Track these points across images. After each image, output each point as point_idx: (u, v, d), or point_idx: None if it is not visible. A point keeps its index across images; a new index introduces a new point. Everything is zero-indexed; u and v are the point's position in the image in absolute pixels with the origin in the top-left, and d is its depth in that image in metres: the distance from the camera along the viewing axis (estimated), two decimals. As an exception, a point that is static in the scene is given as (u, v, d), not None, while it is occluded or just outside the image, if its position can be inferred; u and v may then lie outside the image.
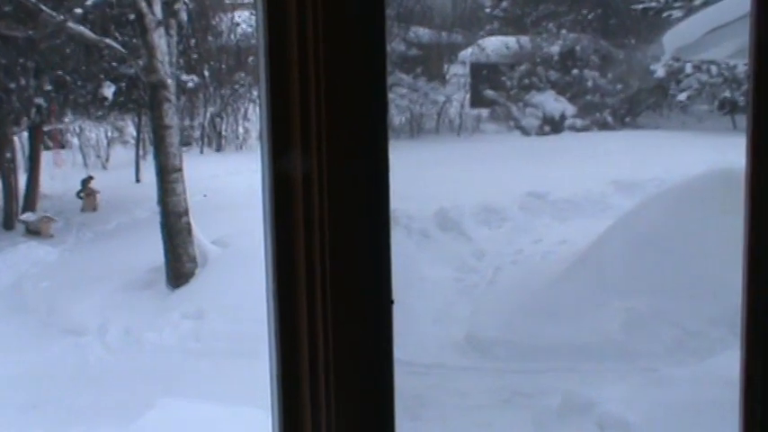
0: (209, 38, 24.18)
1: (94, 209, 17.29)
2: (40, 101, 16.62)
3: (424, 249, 11.64)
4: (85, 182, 17.61)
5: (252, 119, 26.79)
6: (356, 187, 1.55)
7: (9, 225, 16.94)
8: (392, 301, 1.60)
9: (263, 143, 1.57)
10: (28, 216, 16.62)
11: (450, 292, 10.38)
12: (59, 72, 16.52)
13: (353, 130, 1.55)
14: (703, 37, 9.74)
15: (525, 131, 22.07)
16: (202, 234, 12.62)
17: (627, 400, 6.38)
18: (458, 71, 24.76)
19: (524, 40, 23.63)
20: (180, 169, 12.44)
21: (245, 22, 25.72)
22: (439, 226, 12.46)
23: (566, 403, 6.71)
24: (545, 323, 8.37)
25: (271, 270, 1.59)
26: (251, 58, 26.02)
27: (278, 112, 1.54)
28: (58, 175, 19.32)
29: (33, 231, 16.01)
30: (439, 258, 11.45)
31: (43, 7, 13.35)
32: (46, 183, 18.88)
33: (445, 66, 25.39)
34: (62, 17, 13.45)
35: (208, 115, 25.04)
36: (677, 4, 20.02)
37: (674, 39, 11.07)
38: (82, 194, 17.30)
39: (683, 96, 20.96)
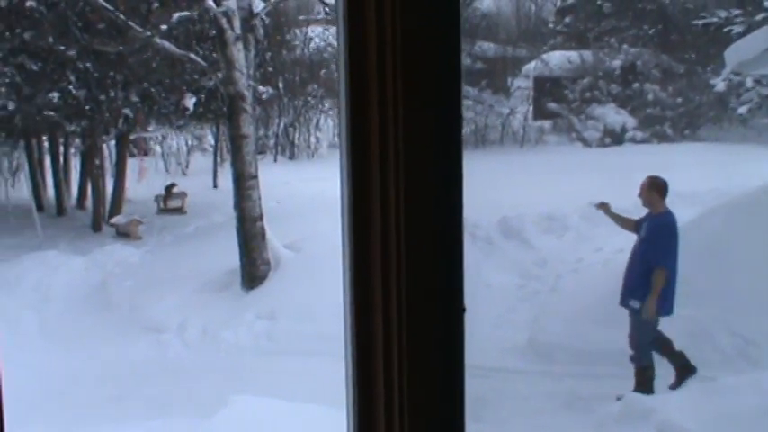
0: (284, 52, 24.40)
1: (183, 211, 17.56)
2: (127, 111, 16.96)
3: (487, 256, 11.57)
4: (169, 188, 17.94)
5: (323, 129, 26.97)
6: (431, 196, 1.53)
7: (97, 227, 17.28)
8: (464, 309, 1.57)
9: (342, 153, 1.56)
10: (118, 219, 16.96)
11: (513, 298, 10.30)
12: (145, 84, 16.83)
13: (429, 142, 1.53)
14: (764, 52, 9.52)
15: (587, 143, 21.84)
16: (276, 238, 12.71)
17: (686, 408, 6.24)
18: (521, 84, 24.62)
19: (587, 54, 23.42)
20: (255, 176, 12.55)
21: (317, 36, 25.92)
22: (502, 234, 12.37)
23: (625, 409, 6.59)
24: (606, 329, 8.24)
25: (348, 277, 1.57)
26: (323, 71, 26.20)
27: (356, 123, 1.53)
28: (142, 180, 19.67)
29: (123, 233, 16.31)
30: (502, 265, 11.36)
31: (132, 24, 13.60)
32: (131, 188, 19.24)
33: (509, 79, 25.27)
34: (149, 33, 13.68)
35: (281, 125, 25.30)
36: (738, 20, 19.63)
37: (735, 53, 10.85)
38: (161, 202, 17.62)
39: (743, 110, 20.52)
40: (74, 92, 16.14)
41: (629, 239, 7.98)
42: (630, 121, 21.83)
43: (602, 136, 21.73)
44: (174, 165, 23.37)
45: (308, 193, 18.23)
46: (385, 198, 1.52)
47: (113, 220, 17.00)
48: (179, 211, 17.46)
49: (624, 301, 7.60)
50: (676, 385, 7.48)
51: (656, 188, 7.75)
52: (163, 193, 17.85)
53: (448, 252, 1.56)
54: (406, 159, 1.51)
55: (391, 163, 1.51)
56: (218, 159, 21.68)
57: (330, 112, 26.69)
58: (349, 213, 1.56)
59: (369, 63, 1.52)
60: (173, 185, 17.93)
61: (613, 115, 21.92)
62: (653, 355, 7.53)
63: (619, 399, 7.06)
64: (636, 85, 22.37)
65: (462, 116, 1.62)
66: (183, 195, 17.64)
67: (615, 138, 21.53)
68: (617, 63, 22.75)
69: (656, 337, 7.57)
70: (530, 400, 7.85)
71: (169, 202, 17.69)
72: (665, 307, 7.50)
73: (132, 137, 19.25)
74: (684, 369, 7.53)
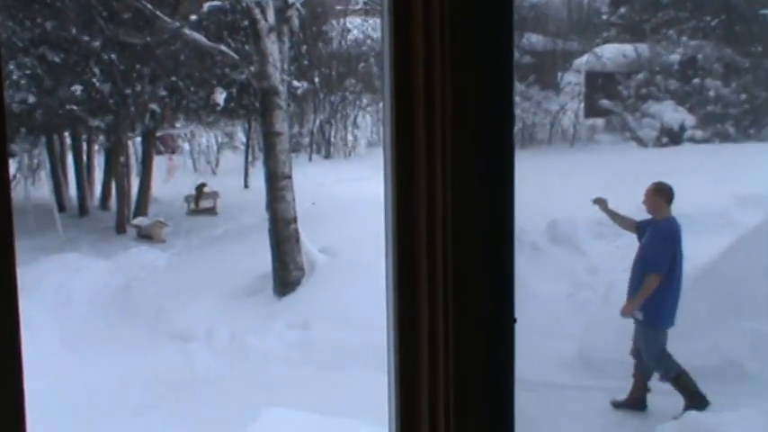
0: (320, 44, 24.47)
1: (215, 212, 17.65)
2: (154, 106, 17.05)
3: (535, 263, 11.51)
4: (200, 187, 17.99)
5: (361, 126, 27.00)
6: (480, 199, 1.51)
7: (121, 229, 17.42)
8: (515, 320, 1.56)
9: (386, 153, 1.55)
10: (141, 220, 17.09)
11: (562, 307, 10.23)
12: (173, 78, 16.94)
13: (479, 141, 1.51)
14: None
15: (642, 143, 21.65)
16: (310, 242, 12.74)
17: (748, 428, 6.16)
18: (572, 79, 24.47)
19: (642, 47, 23.20)
20: (289, 176, 12.59)
21: (356, 28, 25.97)
22: (551, 239, 12.30)
23: (684, 428, 6.51)
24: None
25: (391, 285, 1.56)
26: (362, 65, 26.25)
27: (401, 121, 1.52)
28: (169, 179, 19.82)
29: (145, 236, 16.45)
30: (550, 273, 11.30)
31: (160, 14, 13.71)
32: (158, 187, 19.40)
33: (559, 74, 25.13)
34: (177, 24, 13.80)
35: (317, 122, 25.36)
36: (809, 11, 19.35)
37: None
38: (191, 203, 17.69)
39: (812, 108, 20.24)
40: (98, 85, 16.28)
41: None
42: (689, 120, 21.61)
43: (659, 135, 21.52)
44: (204, 163, 23.54)
45: (345, 194, 18.26)
46: (431, 200, 1.51)
47: (135, 222, 17.15)
48: (210, 211, 17.55)
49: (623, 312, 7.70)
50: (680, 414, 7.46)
51: (661, 194, 7.84)
52: (193, 192, 17.94)
53: (498, 258, 1.54)
54: (453, 159, 1.49)
55: (438, 163, 1.50)
56: (250, 158, 21.80)
57: (369, 109, 26.72)
58: (392, 216, 1.55)
59: (415, 56, 1.51)
60: (203, 185, 18.03)
61: (671, 113, 21.71)
62: (678, 362, 7.53)
63: (675, 418, 7.00)
64: (696, 80, 22.14)
65: (514, 113, 1.60)
66: (214, 195, 17.71)
67: (673, 137, 21.32)
68: (675, 57, 22.52)
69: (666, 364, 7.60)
70: (580, 418, 7.79)
71: (201, 203, 17.78)
72: (665, 319, 7.53)
73: (159, 133, 19.40)
74: (694, 398, 7.49)
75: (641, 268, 7.65)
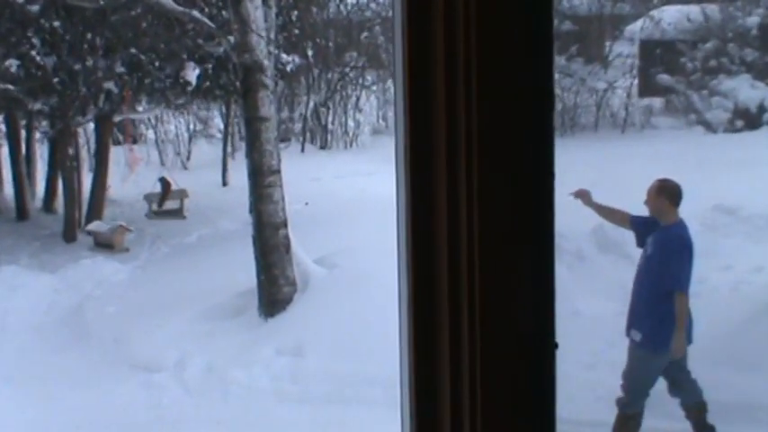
0: (314, 9, 24.50)
1: (182, 215, 17.54)
2: (109, 85, 17.06)
3: (578, 275, 11.52)
4: (164, 184, 17.64)
5: (364, 109, 27.02)
6: (514, 203, 1.52)
7: (70, 236, 17.43)
8: (556, 345, 1.57)
9: (399, 143, 1.56)
10: (98, 225, 17.08)
11: (610, 329, 10.21)
12: (133, 50, 16.97)
13: (512, 127, 1.52)
14: None
15: (711, 127, 21.61)
16: (303, 251, 12.76)
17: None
18: (623, 50, 24.47)
19: (712, 9, 23.14)
20: (277, 171, 12.61)
21: (357, -11, 26.04)
22: (597, 246, 12.30)
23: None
24: (736, 374, 8.15)
25: (405, 303, 1.57)
26: (365, 35, 26.30)
27: (417, 103, 1.52)
28: (130, 175, 19.85)
29: (104, 244, 16.46)
30: (596, 287, 11.30)
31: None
32: (116, 185, 19.43)
33: (607, 44, 25.13)
34: (138, -17, 13.84)
35: (311, 105, 25.42)
36: None
37: None
38: (153, 203, 17.56)
39: None
40: (38, 59, 16.24)
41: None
42: (770, 98, 21.56)
43: (732, 117, 21.47)
44: (172, 155, 23.61)
45: (346, 192, 18.30)
46: (454, 200, 1.51)
47: (91, 227, 17.16)
48: (177, 214, 17.47)
49: (627, 331, 7.85)
50: None
51: (666, 193, 7.86)
52: (156, 190, 17.78)
53: (535, 270, 1.55)
54: (481, 150, 1.50)
55: (462, 154, 1.51)
56: (229, 149, 21.87)
57: (374, 88, 26.75)
58: (406, 220, 1.56)
59: (433, 23, 1.52)
60: (166, 180, 17.91)
61: (747, 90, 21.64)
62: (644, 404, 7.67)
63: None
64: (778, 49, 22.09)
65: (554, 93, 1.61)
66: (182, 194, 17.62)
67: (750, 120, 21.25)
68: (753, 20, 22.46)
69: (695, 399, 7.69)
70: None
71: (164, 203, 17.70)
72: (665, 342, 7.61)
73: (117, 119, 19.44)
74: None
75: (653, 288, 7.69)
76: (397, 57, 1.57)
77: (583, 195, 8.29)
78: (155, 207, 17.41)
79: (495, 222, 1.52)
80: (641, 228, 8.00)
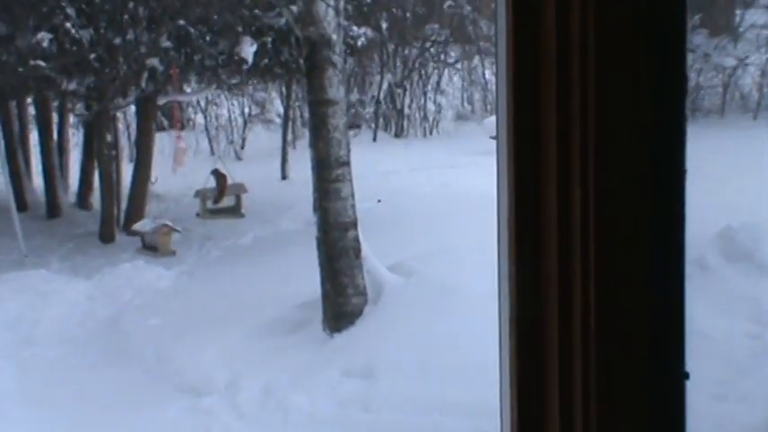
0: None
1: (240, 213, 17.41)
2: (154, 62, 17.16)
3: (700, 288, 11.40)
4: (219, 178, 17.42)
5: (447, 91, 27.03)
6: (637, 206, 1.51)
7: (108, 236, 17.63)
8: (687, 375, 1.56)
9: (501, 137, 1.55)
10: (142, 224, 17.15)
11: (742, 353, 10.12)
12: (181, 22, 17.08)
13: (633, 117, 1.51)
14: None
15: None
16: (376, 256, 12.77)
17: None
18: (758, 20, 24.15)
19: None
20: (346, 163, 12.62)
21: (441, -51, 26.02)
22: (723, 254, 12.16)
23: None
24: None
25: (507, 326, 1.56)
26: (447, 4, 26.26)
27: (523, 92, 1.51)
28: (178, 167, 19.97)
29: (149, 246, 16.56)
30: (724, 303, 11.17)
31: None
32: (161, 178, 19.63)
33: (738, 12, 24.84)
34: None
35: (385, 86, 25.48)
36: None
37: None
38: (206, 200, 17.37)
39: None
40: (73, 32, 16.38)
41: None
42: None
43: None
44: (224, 143, 23.81)
45: (425, 187, 18.32)
46: (566, 202, 1.50)
47: (136, 226, 17.28)
48: (234, 212, 17.36)
49: None
50: None
51: None
52: (210, 185, 17.67)
53: (662, 285, 1.54)
54: (598, 143, 1.49)
55: (576, 149, 1.50)
56: (290, 137, 21.98)
57: (458, 66, 26.71)
58: (509, 224, 1.55)
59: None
60: (222, 174, 17.83)
61: None
62: None
63: None
64: None
65: (687, 73, 1.59)
66: (239, 189, 17.44)
67: None
68: None
69: None
70: None
71: (219, 199, 17.63)
72: None
73: (162, 101, 19.61)
74: None
75: None
76: (500, 33, 1.56)
77: None
78: (209, 204, 17.20)
79: (613, 228, 1.51)
80: None
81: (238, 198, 17.16)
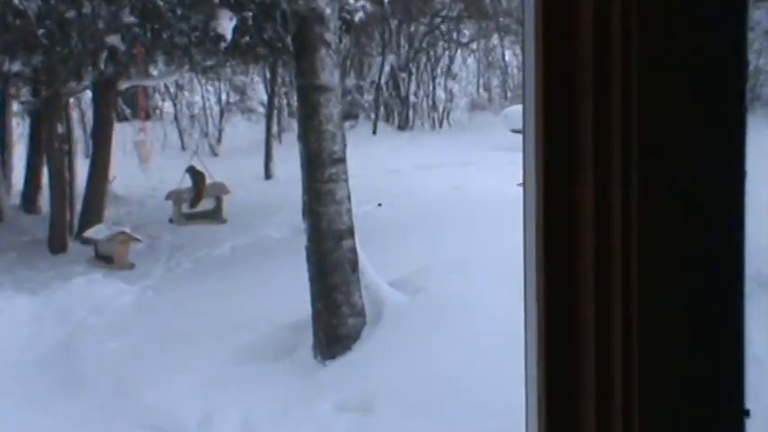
0: (392, -63, 24.54)
1: (221, 218, 17.04)
2: (114, 40, 17.12)
3: (758, 308, 11.41)
4: (196, 177, 16.86)
5: (460, 76, 27.02)
6: (687, 214, 1.51)
7: (59, 245, 17.60)
8: (747, 413, 1.56)
9: (528, 128, 1.55)
10: (96, 231, 17.06)
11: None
12: (147, -7, 17.08)
13: (686, 118, 1.51)
14: None
15: None
16: (375, 270, 12.78)
17: None
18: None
19: None
20: (342, 159, 12.62)
21: None
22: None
23: None
24: None
25: (534, 352, 1.56)
26: (461, -28, 26.25)
27: (554, 73, 1.51)
28: (145, 164, 19.93)
29: (103, 257, 16.52)
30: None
31: None
32: (122, 177, 19.62)
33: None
34: None
35: (387, 69, 25.49)
36: None
37: None
38: (181, 202, 16.81)
39: None
40: (17, 2, 16.30)
41: None
42: None
43: None
44: (198, 137, 23.82)
45: (434, 188, 18.33)
46: (604, 209, 1.50)
47: (88, 233, 17.23)
48: (213, 216, 17.08)
49: None
50: None
51: None
52: (186, 185, 17.14)
53: (717, 305, 1.54)
54: (643, 135, 1.49)
55: (616, 147, 1.50)
56: (275, 129, 22.01)
57: (473, 46, 26.70)
58: (537, 230, 1.55)
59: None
60: (200, 173, 17.30)
61: None
62: None
63: None
64: None
65: (747, 55, 1.60)
66: (220, 189, 17.04)
67: None
68: None
69: None
70: None
71: (197, 202, 17.20)
72: None
73: (124, 86, 19.61)
74: None
75: None
76: (528, 7, 1.56)
77: None
78: (185, 208, 16.77)
79: (659, 239, 1.51)
80: None
81: (219, 200, 16.85)
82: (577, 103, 1.52)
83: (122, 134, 20.32)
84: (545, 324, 1.57)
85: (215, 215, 16.58)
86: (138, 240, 16.81)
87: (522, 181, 1.67)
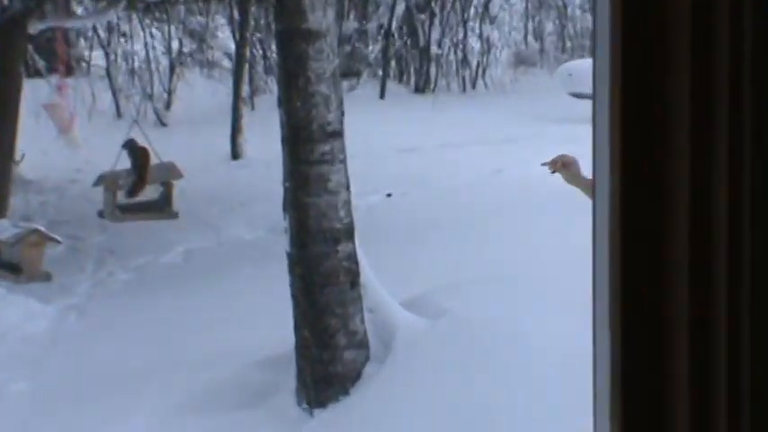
0: None
1: (170, 211, 16.67)
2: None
3: None
4: (137, 154, 16.41)
5: (502, 17, 27.00)
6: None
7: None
8: None
9: (599, 94, 1.59)
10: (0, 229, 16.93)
11: None
12: None
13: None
14: None
15: None
16: (383, 284, 12.79)
17: None
18: None
19: None
20: (338, 133, 12.63)
21: None
22: None
23: None
24: None
25: (607, 413, 1.60)
26: None
27: (637, 25, 1.56)
28: (68, 134, 19.89)
29: (9, 265, 16.35)
30: None
31: None
32: (33, 155, 19.64)
33: None
34: None
35: (400, 8, 25.50)
36: None
37: None
38: (116, 190, 16.41)
39: None
40: None
41: None
42: None
43: None
44: (140, 99, 23.85)
45: (464, 174, 18.35)
46: (704, 199, 1.54)
47: (-16, 232, 17.23)
48: (159, 210, 16.78)
49: None
50: None
51: None
52: (123, 167, 16.88)
53: None
54: (757, 112, 1.53)
55: (722, 119, 1.53)
56: (245, 90, 22.02)
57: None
58: (611, 233, 1.59)
59: None
60: (143, 149, 17.00)
61: None
62: None
63: None
64: None
65: None
66: (170, 172, 16.69)
67: None
68: None
69: None
70: None
71: (137, 189, 16.87)
72: None
73: (37, 28, 19.65)
74: None
75: None
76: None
77: (567, 165, 8.35)
78: (121, 198, 16.42)
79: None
80: None
81: (168, 188, 16.54)
82: (669, 65, 1.56)
83: (34, 95, 20.32)
84: (621, 366, 1.61)
85: (162, 208, 16.22)
86: (57, 242, 16.69)
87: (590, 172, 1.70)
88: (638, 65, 1.56)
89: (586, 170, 7.98)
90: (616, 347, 1.63)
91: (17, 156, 19.01)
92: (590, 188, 8.54)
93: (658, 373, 1.64)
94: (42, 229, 16.63)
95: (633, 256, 1.60)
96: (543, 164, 8.60)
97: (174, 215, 16.09)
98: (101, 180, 15.99)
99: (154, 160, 15.64)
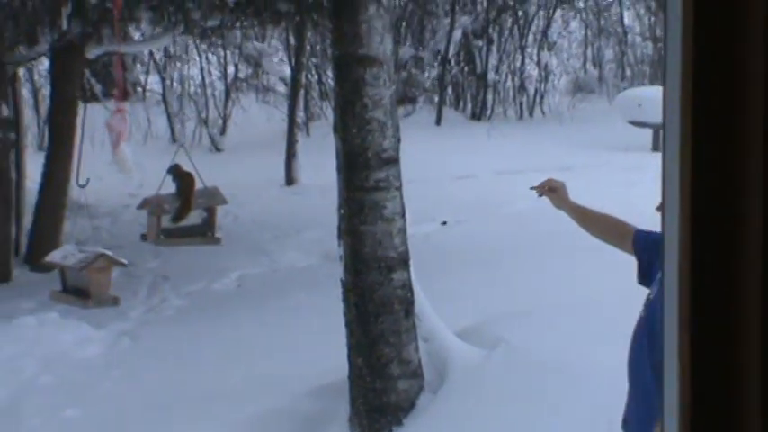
0: None
1: (213, 237, 16.50)
2: (80, -8, 17.24)
3: None
4: (183, 180, 16.26)
5: (561, 44, 26.99)
6: None
7: (1, 272, 17.65)
8: None
9: (670, 122, 1.57)
10: (63, 254, 16.50)
11: None
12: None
13: None
14: None
15: None
16: (438, 313, 12.76)
17: None
18: None
19: None
20: (394, 160, 12.61)
21: None
22: None
23: None
24: None
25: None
26: None
27: (711, 46, 1.53)
28: (120, 156, 19.76)
29: (75, 290, 16.02)
30: None
31: None
32: (93, 178, 19.62)
33: None
34: None
35: (457, 35, 25.53)
36: None
37: None
38: (159, 215, 16.12)
39: None
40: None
41: None
42: None
43: None
44: (194, 125, 23.91)
45: (521, 202, 18.31)
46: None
47: (51, 258, 16.95)
48: (201, 235, 16.75)
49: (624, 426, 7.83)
50: None
51: None
52: (168, 191, 16.69)
53: None
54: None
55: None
56: (300, 116, 22.03)
57: (579, 3, 26.74)
58: (679, 264, 1.56)
59: None
60: (188, 175, 16.89)
61: None
62: None
63: None
64: None
65: None
66: (213, 198, 16.66)
67: None
68: None
69: None
70: None
71: (182, 215, 16.72)
72: None
73: (94, 53, 19.70)
74: None
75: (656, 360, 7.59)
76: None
77: (554, 189, 8.39)
78: (165, 222, 16.29)
79: None
80: (647, 254, 7.91)
81: (210, 213, 16.42)
82: (742, 91, 1.53)
83: (90, 120, 20.31)
84: (690, 396, 1.59)
85: (203, 233, 16.06)
86: (124, 265, 16.32)
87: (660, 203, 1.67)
88: (711, 105, 1.54)
89: (575, 195, 8.04)
90: (685, 390, 1.60)
91: (81, 180, 18.99)
92: (576, 212, 8.62)
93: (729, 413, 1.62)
94: (109, 252, 16.43)
95: (701, 319, 1.59)
96: (531, 188, 8.69)
97: (217, 241, 15.89)
98: (145, 203, 15.86)
99: (198, 185, 15.51)
